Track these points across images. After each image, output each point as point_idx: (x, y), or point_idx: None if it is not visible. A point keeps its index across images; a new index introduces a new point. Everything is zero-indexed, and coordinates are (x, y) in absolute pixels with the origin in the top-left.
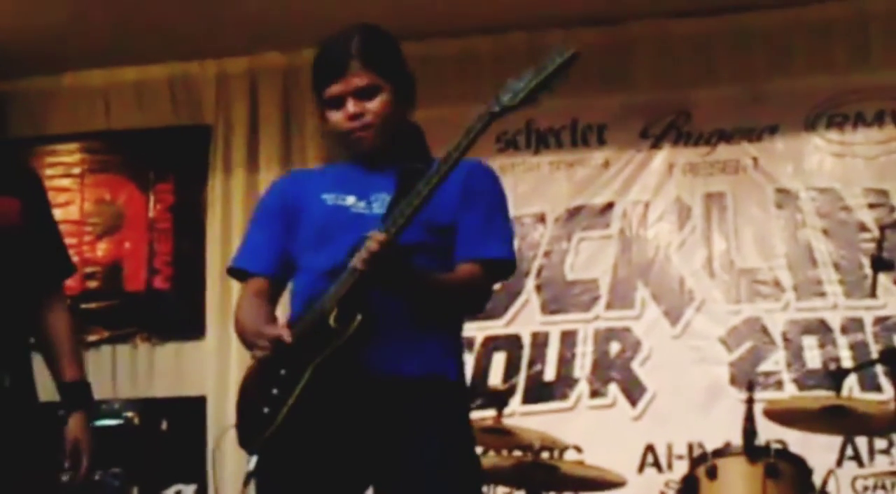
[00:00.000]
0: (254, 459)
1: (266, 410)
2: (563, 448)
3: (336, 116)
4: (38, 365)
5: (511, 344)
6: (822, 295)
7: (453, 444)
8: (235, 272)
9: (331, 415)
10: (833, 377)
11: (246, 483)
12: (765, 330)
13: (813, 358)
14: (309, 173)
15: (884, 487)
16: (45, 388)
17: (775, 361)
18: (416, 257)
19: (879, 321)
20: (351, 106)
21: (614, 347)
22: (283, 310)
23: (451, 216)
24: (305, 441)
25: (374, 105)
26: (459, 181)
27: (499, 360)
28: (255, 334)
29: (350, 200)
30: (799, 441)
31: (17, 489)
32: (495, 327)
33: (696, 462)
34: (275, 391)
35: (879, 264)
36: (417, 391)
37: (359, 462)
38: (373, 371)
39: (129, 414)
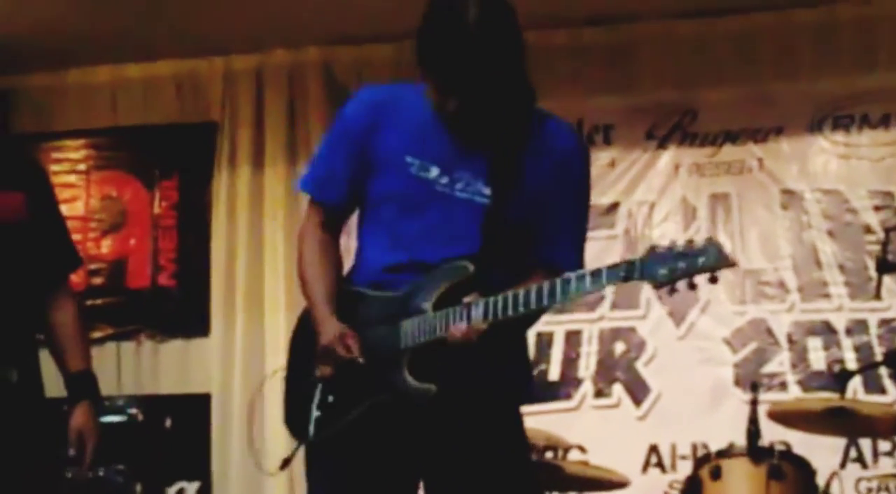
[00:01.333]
0: (293, 445)
1: (317, 414)
2: (568, 448)
3: (436, 97)
4: (45, 361)
5: None
6: (827, 296)
7: (510, 452)
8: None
9: (383, 428)
10: (837, 378)
11: (282, 466)
12: (769, 332)
13: (817, 359)
14: (390, 105)
15: (887, 489)
16: (51, 384)
17: (780, 362)
18: (512, 235)
19: (884, 323)
20: (453, 105)
21: (619, 347)
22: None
23: (542, 193)
24: (358, 441)
25: (476, 105)
26: (556, 152)
27: None
28: (327, 345)
29: (433, 173)
30: (803, 443)
31: (24, 483)
32: None
33: (699, 462)
34: (330, 398)
35: (884, 266)
36: (480, 401)
37: (412, 457)
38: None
39: (133, 411)
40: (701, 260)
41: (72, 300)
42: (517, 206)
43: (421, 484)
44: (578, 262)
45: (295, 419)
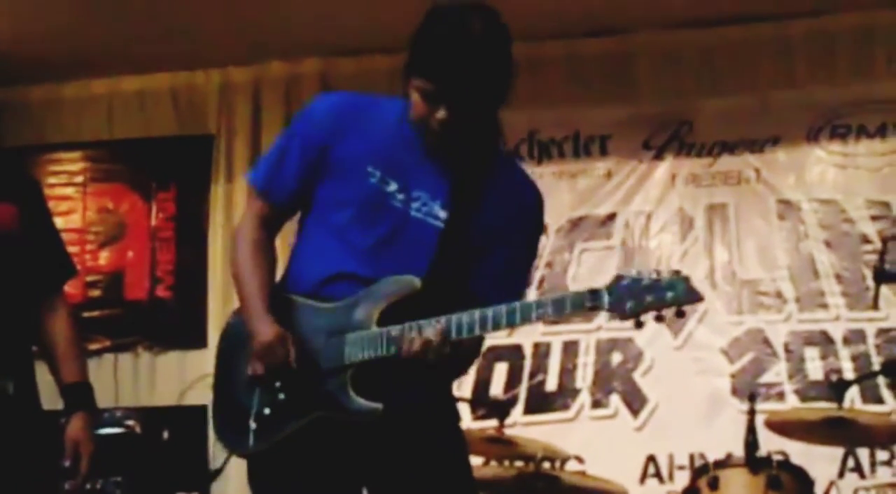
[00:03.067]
0: (222, 457)
1: (254, 426)
2: (565, 459)
3: (421, 107)
4: (41, 373)
5: (513, 354)
6: (825, 306)
7: (450, 453)
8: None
9: (326, 446)
10: (835, 388)
11: (213, 478)
12: (766, 342)
13: (815, 369)
14: (361, 113)
15: None
16: (47, 397)
17: (777, 372)
18: (461, 261)
19: (882, 333)
20: (443, 113)
21: (616, 358)
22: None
23: (495, 230)
24: (299, 452)
25: (468, 119)
26: (518, 198)
27: (501, 370)
28: (266, 344)
29: (392, 187)
30: (800, 453)
31: None
32: (497, 337)
33: (697, 473)
34: (266, 411)
35: (882, 276)
36: (416, 411)
37: (354, 467)
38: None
39: (131, 423)
40: (669, 294)
41: (67, 310)
42: (470, 235)
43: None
44: (520, 290)
45: (228, 430)
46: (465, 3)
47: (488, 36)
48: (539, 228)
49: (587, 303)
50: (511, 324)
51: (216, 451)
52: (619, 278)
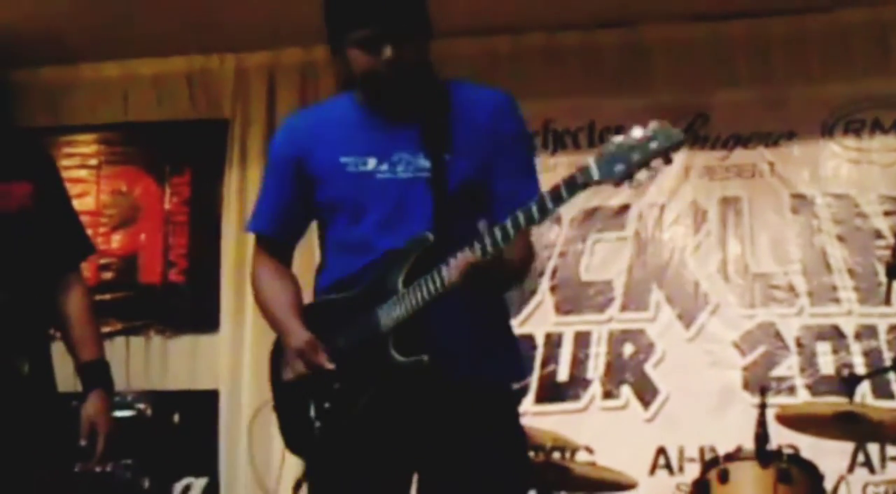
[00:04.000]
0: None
1: (318, 424)
2: (575, 449)
3: (365, 60)
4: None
5: (524, 344)
6: (837, 301)
7: (503, 447)
8: (253, 233)
9: (386, 418)
10: (846, 383)
11: (296, 489)
12: (778, 335)
13: (826, 363)
14: (319, 119)
15: None
16: (60, 379)
17: (788, 366)
18: (470, 193)
19: (893, 328)
20: (389, 51)
21: (628, 349)
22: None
23: (482, 153)
24: (358, 444)
25: (411, 51)
26: (485, 107)
27: None
28: (297, 352)
29: (371, 164)
30: (811, 447)
31: (35, 476)
32: None
33: (707, 465)
34: (327, 404)
35: (894, 271)
36: (474, 393)
37: (405, 451)
38: (446, 375)
39: (142, 406)
40: (653, 144)
41: (83, 288)
42: (460, 168)
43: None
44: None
45: (298, 439)
46: None
47: None
48: (515, 120)
49: (579, 180)
50: (532, 223)
51: (289, 459)
52: (603, 148)
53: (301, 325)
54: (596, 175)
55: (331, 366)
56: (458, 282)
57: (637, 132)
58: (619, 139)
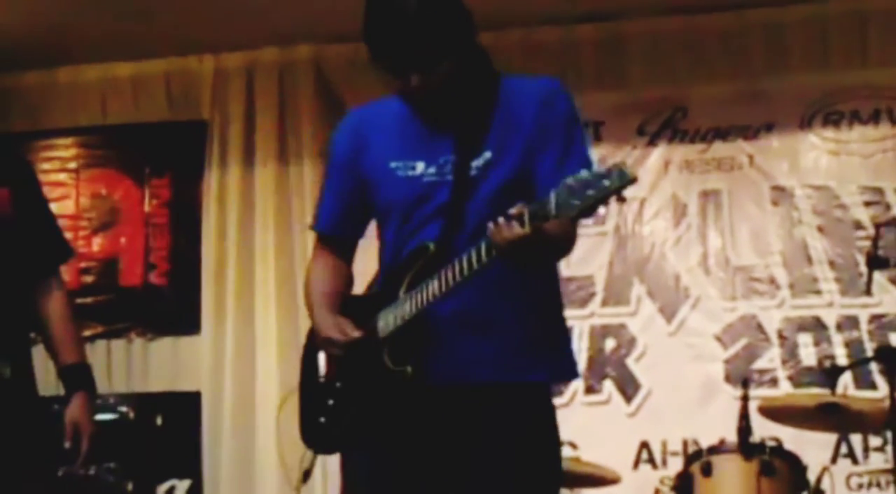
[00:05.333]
0: (310, 457)
1: (322, 419)
2: None
3: (396, 83)
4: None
5: None
6: (818, 292)
7: (528, 450)
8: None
9: (387, 425)
10: (828, 374)
11: (304, 479)
12: (760, 328)
13: (808, 355)
14: (370, 120)
15: (878, 485)
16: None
17: (770, 358)
18: (507, 196)
19: (874, 319)
20: (416, 80)
21: (609, 344)
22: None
23: (526, 148)
24: (366, 447)
25: (437, 74)
26: (532, 109)
27: None
28: (325, 338)
29: (419, 167)
30: (793, 439)
31: (18, 480)
32: None
33: (690, 458)
34: (330, 401)
35: (875, 262)
36: (489, 397)
37: (434, 468)
38: (434, 380)
39: (124, 409)
40: (606, 182)
41: (63, 292)
42: (502, 167)
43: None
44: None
45: (308, 430)
46: None
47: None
48: (561, 106)
49: (540, 212)
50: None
51: (305, 453)
52: (561, 184)
53: (329, 313)
54: (554, 210)
55: (358, 334)
56: (504, 249)
57: (591, 171)
58: (575, 176)
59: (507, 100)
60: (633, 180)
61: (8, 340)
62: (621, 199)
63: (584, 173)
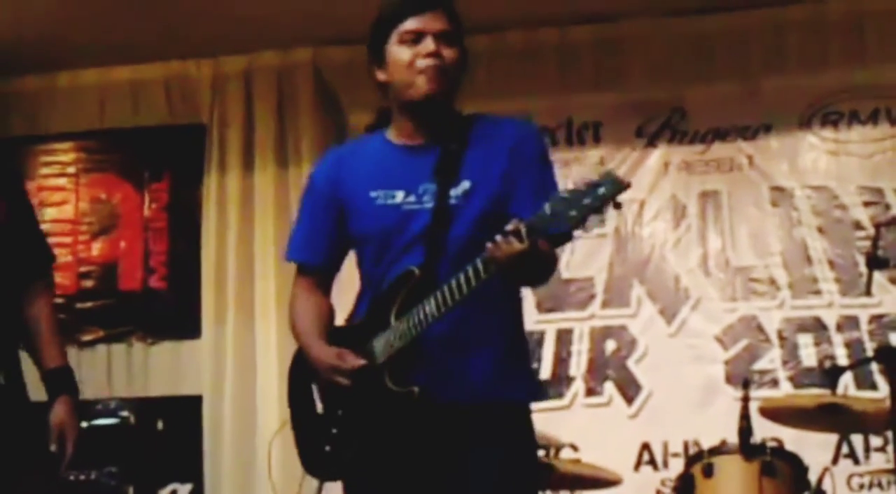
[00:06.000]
0: (318, 484)
1: (328, 448)
2: (559, 447)
3: (407, 53)
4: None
5: None
6: (818, 293)
7: (512, 465)
8: (293, 262)
9: (397, 446)
10: (828, 375)
11: None
12: (760, 329)
13: (808, 356)
14: (350, 155)
15: (879, 485)
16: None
17: (771, 359)
18: (483, 225)
19: (875, 319)
20: (430, 42)
21: (610, 345)
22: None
23: (501, 181)
24: (377, 471)
25: (450, 53)
26: (505, 145)
27: None
28: (330, 369)
29: (399, 197)
30: (794, 439)
31: (17, 485)
32: None
33: (691, 460)
34: (334, 430)
35: (875, 262)
36: (479, 416)
37: (426, 486)
38: (436, 399)
39: (125, 414)
40: (601, 191)
41: (48, 297)
42: (478, 197)
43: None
44: None
45: (313, 461)
46: None
47: None
48: (535, 146)
49: (538, 225)
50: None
51: (307, 480)
52: (554, 197)
53: (323, 343)
54: (555, 225)
55: (362, 362)
56: (501, 264)
57: (585, 181)
58: (569, 188)
59: (483, 134)
60: (626, 186)
61: (2, 348)
62: (617, 206)
63: (576, 186)
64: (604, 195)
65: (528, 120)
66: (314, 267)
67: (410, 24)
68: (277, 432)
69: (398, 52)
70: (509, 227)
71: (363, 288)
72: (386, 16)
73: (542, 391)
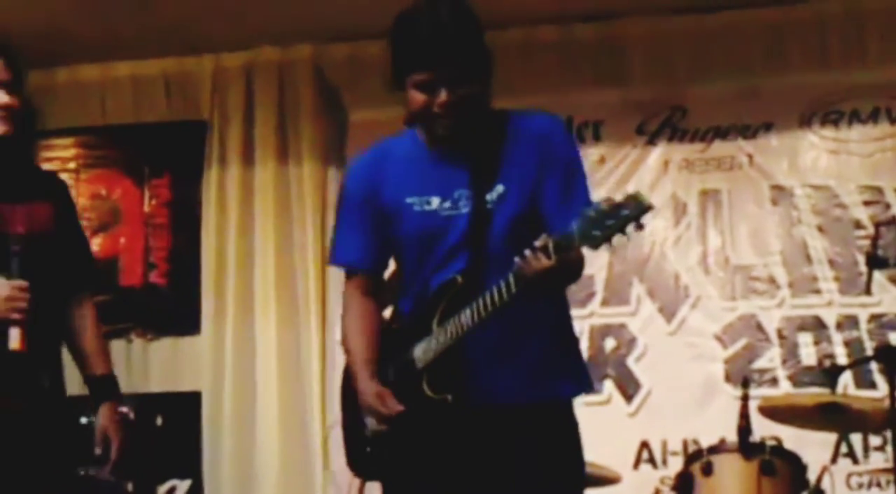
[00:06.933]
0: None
1: (368, 449)
2: None
3: (423, 100)
4: None
5: None
6: (818, 292)
7: (556, 466)
8: (340, 266)
9: (434, 450)
10: (828, 374)
11: None
12: (760, 327)
13: (808, 355)
14: (384, 158)
15: (878, 484)
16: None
17: (770, 358)
18: (519, 226)
19: (874, 318)
20: (443, 95)
21: (609, 343)
22: None
23: (532, 181)
24: (414, 473)
25: (466, 92)
26: (536, 147)
27: None
28: (368, 408)
29: (435, 203)
30: (794, 438)
31: (56, 484)
32: None
33: (691, 458)
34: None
35: (874, 261)
36: (521, 417)
37: (463, 488)
38: (475, 402)
39: (124, 409)
40: (624, 212)
41: (93, 308)
42: (511, 201)
43: None
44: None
45: (355, 460)
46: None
47: (457, 12)
48: (562, 142)
49: (564, 243)
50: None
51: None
52: (583, 214)
53: (370, 377)
54: (577, 241)
55: (400, 408)
56: (528, 279)
57: (608, 201)
58: (594, 207)
59: (514, 136)
60: (649, 208)
61: (47, 352)
62: (640, 227)
63: (602, 205)
64: (627, 217)
65: (555, 116)
66: (363, 270)
67: (422, 75)
68: (331, 427)
69: (414, 95)
70: (538, 244)
71: (405, 291)
72: (399, 56)
73: (588, 383)
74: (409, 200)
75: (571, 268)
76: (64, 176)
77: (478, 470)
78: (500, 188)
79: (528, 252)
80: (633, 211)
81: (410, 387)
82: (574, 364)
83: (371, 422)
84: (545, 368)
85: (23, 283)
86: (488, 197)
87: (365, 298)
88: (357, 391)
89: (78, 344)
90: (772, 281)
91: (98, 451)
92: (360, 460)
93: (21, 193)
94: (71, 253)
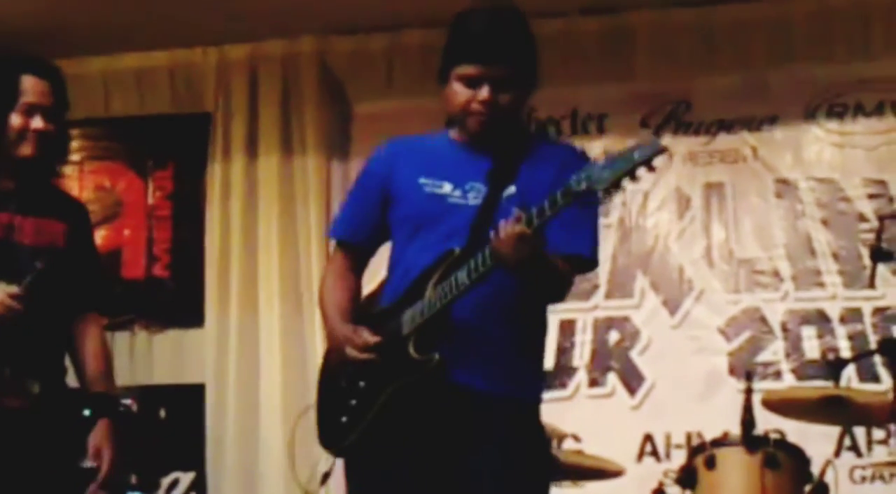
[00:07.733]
0: (330, 460)
1: (344, 419)
2: (562, 437)
3: (464, 94)
4: None
5: None
6: (822, 285)
7: (518, 462)
8: (333, 239)
9: (409, 423)
10: (831, 367)
11: (322, 482)
12: (763, 320)
13: (812, 348)
14: (409, 146)
15: (882, 477)
16: None
17: (774, 351)
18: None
19: (878, 311)
20: (486, 92)
21: (613, 336)
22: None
23: (541, 198)
24: (386, 447)
25: (506, 98)
26: (555, 167)
27: None
28: (345, 339)
29: (446, 188)
30: (797, 432)
31: (58, 477)
32: None
33: (694, 451)
34: (353, 401)
35: (878, 255)
36: (494, 407)
37: (433, 468)
38: (454, 381)
39: (128, 402)
40: (636, 154)
41: (99, 328)
42: (513, 204)
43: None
44: (595, 252)
45: (327, 433)
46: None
47: (516, 18)
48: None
49: (574, 188)
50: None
51: (322, 456)
52: (593, 163)
53: (345, 323)
54: (586, 183)
55: (377, 339)
56: (503, 248)
57: (622, 147)
58: (607, 155)
59: (539, 152)
60: (663, 150)
61: (41, 361)
62: (651, 169)
63: (614, 152)
64: (639, 159)
65: (577, 148)
66: (352, 245)
67: (469, 68)
68: (297, 419)
69: (456, 88)
70: (514, 213)
71: (392, 274)
72: (450, 48)
73: (544, 389)
74: (421, 181)
75: (550, 265)
76: (67, 168)
77: (445, 451)
78: (511, 189)
79: (502, 221)
80: (644, 152)
81: (396, 354)
82: (541, 373)
83: (350, 352)
84: (518, 368)
85: (15, 290)
86: (504, 194)
87: (346, 271)
88: (329, 336)
89: (81, 363)
90: (776, 274)
91: (90, 463)
92: (332, 431)
93: (34, 207)
94: (80, 272)
